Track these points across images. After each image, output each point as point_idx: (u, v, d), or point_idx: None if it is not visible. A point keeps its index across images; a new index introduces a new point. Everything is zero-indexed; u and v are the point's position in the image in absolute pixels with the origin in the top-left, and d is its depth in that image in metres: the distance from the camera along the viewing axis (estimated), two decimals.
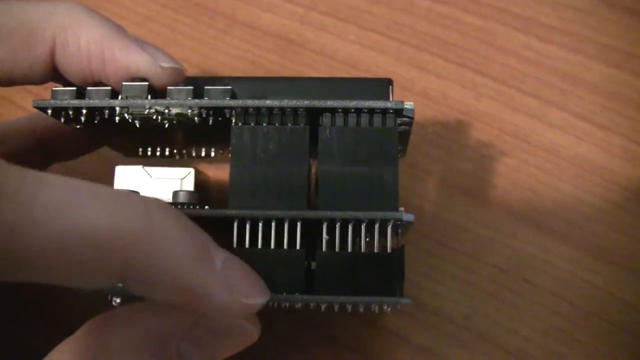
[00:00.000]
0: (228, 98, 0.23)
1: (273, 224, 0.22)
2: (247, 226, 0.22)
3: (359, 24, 0.35)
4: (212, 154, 0.29)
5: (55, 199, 0.16)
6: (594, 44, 0.33)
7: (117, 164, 0.26)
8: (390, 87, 0.24)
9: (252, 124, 0.23)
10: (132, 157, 0.29)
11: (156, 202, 0.19)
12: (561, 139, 0.31)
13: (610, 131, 0.31)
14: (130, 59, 0.23)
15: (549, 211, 0.30)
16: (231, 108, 0.22)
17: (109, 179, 0.26)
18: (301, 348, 0.28)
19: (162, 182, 0.26)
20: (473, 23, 0.34)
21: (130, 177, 0.26)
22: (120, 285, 0.18)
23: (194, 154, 0.29)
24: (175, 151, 0.29)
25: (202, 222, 0.20)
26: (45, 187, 0.16)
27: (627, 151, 0.31)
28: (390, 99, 0.23)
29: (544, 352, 0.28)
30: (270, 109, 0.22)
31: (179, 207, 0.24)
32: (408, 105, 0.23)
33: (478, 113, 0.32)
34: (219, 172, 0.31)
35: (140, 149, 0.28)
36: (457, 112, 0.32)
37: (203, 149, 0.29)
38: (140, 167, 0.26)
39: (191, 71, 0.35)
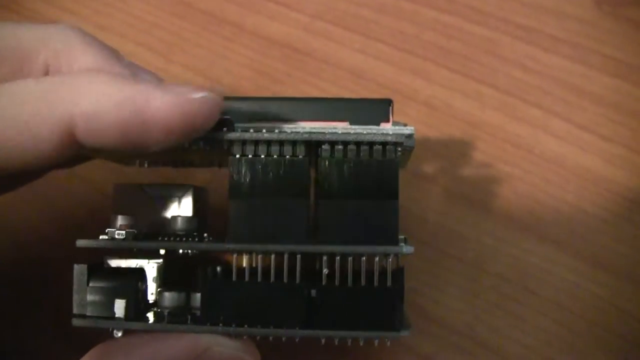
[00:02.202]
0: (224, 128, 0.22)
1: (272, 258, 0.22)
2: (245, 259, 0.22)
3: (365, 34, 0.35)
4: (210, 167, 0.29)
5: None
6: (598, 56, 0.33)
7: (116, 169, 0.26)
8: (390, 107, 0.23)
9: (250, 156, 0.22)
10: (130, 165, 0.29)
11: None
12: (564, 149, 0.31)
13: (613, 142, 0.31)
14: None
15: (552, 221, 0.30)
16: (228, 140, 0.22)
17: (108, 186, 0.26)
18: (305, 355, 0.28)
19: (160, 200, 0.26)
20: (478, 33, 0.34)
21: (128, 195, 0.26)
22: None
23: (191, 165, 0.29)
24: (173, 161, 0.29)
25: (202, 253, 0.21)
26: None
27: (630, 162, 0.31)
28: (390, 120, 0.23)
29: None
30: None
31: (179, 239, 0.24)
32: (408, 130, 0.23)
33: (482, 123, 0.32)
34: (218, 176, 0.30)
35: (137, 161, 0.28)
36: (461, 122, 0.33)
37: (200, 163, 0.29)
38: (138, 185, 0.26)
39: (197, 79, 0.35)
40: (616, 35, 0.34)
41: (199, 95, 0.20)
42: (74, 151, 0.20)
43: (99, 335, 0.22)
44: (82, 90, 0.19)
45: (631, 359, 0.27)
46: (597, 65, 0.33)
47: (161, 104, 0.20)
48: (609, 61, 0.33)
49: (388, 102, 0.24)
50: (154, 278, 0.24)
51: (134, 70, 0.23)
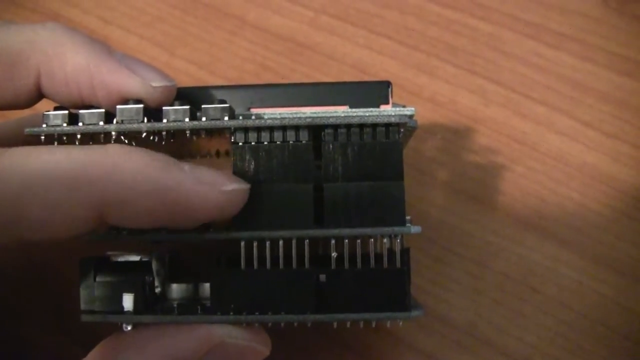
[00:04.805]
0: (226, 117, 0.22)
1: (280, 244, 0.22)
2: (255, 247, 0.22)
3: (369, 28, 0.35)
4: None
5: (18, 154, 0.19)
6: (603, 52, 0.33)
7: None
8: (389, 89, 0.24)
9: (253, 143, 0.22)
10: None
11: (112, 144, 0.20)
12: (569, 146, 0.31)
13: (618, 139, 0.31)
14: (121, 83, 0.22)
15: (556, 219, 0.30)
16: (230, 127, 0.22)
17: None
18: (308, 352, 0.28)
19: None
20: (483, 29, 0.34)
21: None
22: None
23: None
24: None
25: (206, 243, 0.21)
26: (6, 151, 0.19)
27: (636, 160, 0.31)
28: (390, 102, 0.23)
29: None
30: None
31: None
32: (409, 110, 0.23)
33: (486, 119, 0.32)
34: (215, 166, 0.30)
35: None
36: (466, 118, 0.32)
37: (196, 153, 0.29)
38: None
39: (200, 73, 0.35)
40: (622, 32, 0.33)
41: (230, 187, 0.21)
42: (102, 226, 0.20)
43: (102, 329, 0.22)
44: (113, 176, 0.19)
45: (636, 357, 0.27)
46: (602, 62, 0.33)
47: (195, 198, 0.20)
48: (614, 58, 0.33)
49: (387, 84, 0.24)
50: (159, 271, 0.24)
51: (128, 63, 0.23)
